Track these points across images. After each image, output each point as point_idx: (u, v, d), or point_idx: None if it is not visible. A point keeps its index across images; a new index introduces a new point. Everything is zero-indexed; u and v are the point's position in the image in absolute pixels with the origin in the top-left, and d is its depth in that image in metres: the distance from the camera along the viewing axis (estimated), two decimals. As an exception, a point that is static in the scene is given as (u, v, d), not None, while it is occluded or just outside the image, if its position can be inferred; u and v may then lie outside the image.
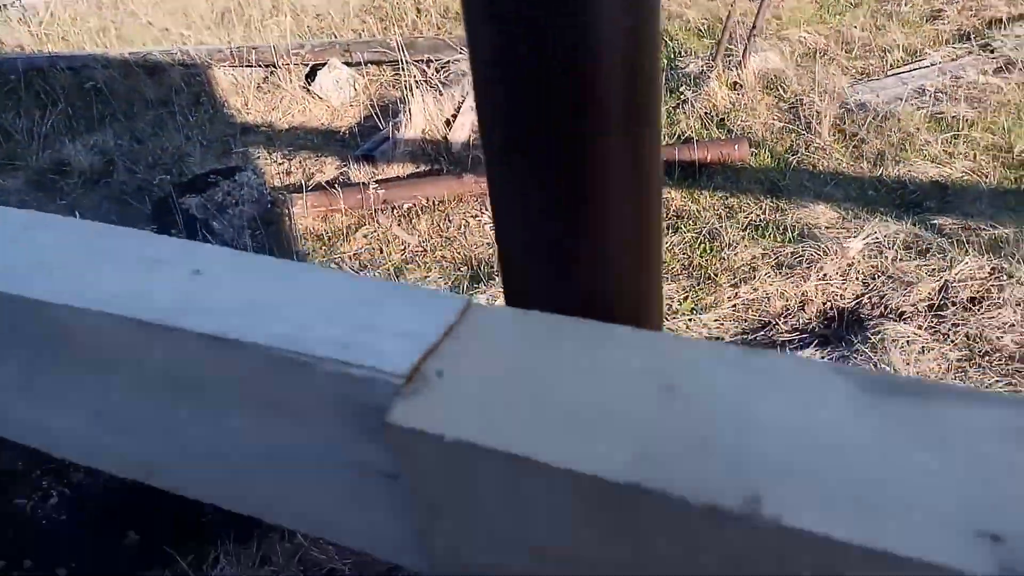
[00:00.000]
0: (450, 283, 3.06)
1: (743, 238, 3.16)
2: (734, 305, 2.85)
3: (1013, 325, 2.53)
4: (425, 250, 3.29)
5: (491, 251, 3.21)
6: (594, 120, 0.35)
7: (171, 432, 0.47)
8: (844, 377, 0.33)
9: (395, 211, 3.52)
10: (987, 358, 2.45)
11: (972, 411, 0.31)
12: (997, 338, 2.49)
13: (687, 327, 2.75)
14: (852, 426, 0.31)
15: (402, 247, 3.32)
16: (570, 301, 0.41)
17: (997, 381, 2.37)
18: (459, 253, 3.25)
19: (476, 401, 0.35)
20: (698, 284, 2.95)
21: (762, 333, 2.73)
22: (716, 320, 2.79)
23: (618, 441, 0.32)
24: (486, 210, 3.46)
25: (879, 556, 0.26)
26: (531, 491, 0.33)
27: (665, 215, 3.36)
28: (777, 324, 2.76)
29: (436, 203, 3.53)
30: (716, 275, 2.98)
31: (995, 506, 0.27)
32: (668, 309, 2.84)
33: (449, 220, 3.45)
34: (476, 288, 2.99)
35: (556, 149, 0.36)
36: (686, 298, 2.89)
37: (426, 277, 3.11)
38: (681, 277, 3.00)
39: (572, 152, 0.36)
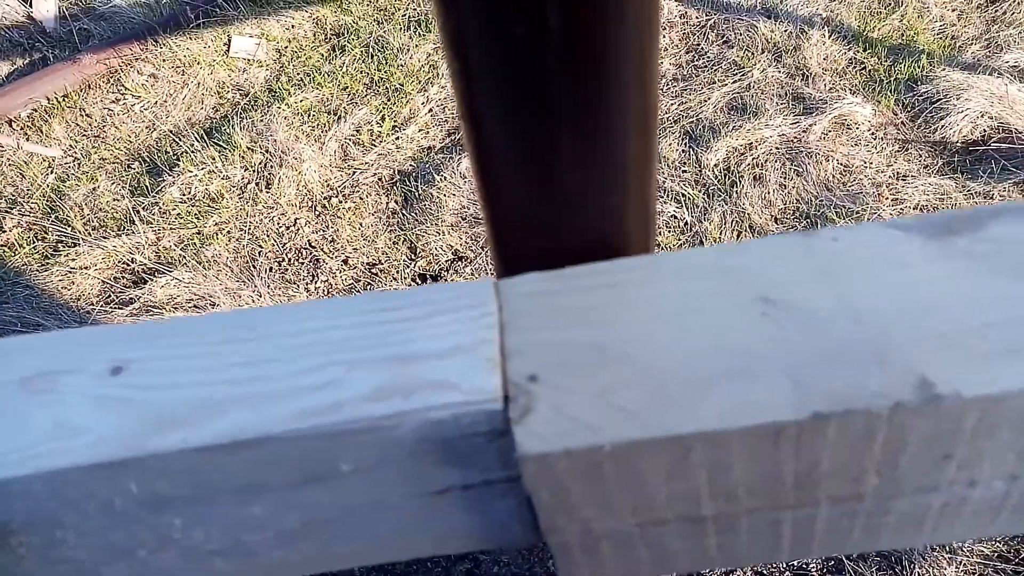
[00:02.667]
0: (127, 186, 2.67)
1: (411, 38, 3.09)
2: (430, 110, 2.84)
3: (666, 50, 2.82)
4: (77, 159, 2.80)
5: (156, 135, 2.82)
6: (612, 58, 0.31)
7: (162, 548, 0.39)
8: (906, 233, 0.35)
9: (14, 125, 2.91)
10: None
11: (1013, 224, 0.35)
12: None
13: (397, 147, 2.71)
14: (942, 277, 0.33)
15: (47, 164, 2.79)
16: (584, 246, 0.38)
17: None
18: (120, 148, 2.81)
19: (596, 394, 0.32)
20: (388, 100, 2.87)
21: (467, 128, 2.77)
22: (420, 131, 2.77)
23: (766, 377, 0.31)
24: (127, 90, 2.98)
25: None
26: (698, 456, 0.32)
27: (324, 36, 3.15)
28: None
29: (61, 100, 2.96)
30: (402, 85, 2.91)
31: None
32: (370, 135, 2.76)
33: (88, 115, 2.93)
34: (161, 181, 2.65)
35: (579, 98, 0.31)
36: (383, 118, 2.81)
37: (95, 189, 2.67)
38: (369, 96, 2.89)
39: (594, 99, 0.31)
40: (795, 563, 1.76)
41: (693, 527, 0.37)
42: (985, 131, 2.57)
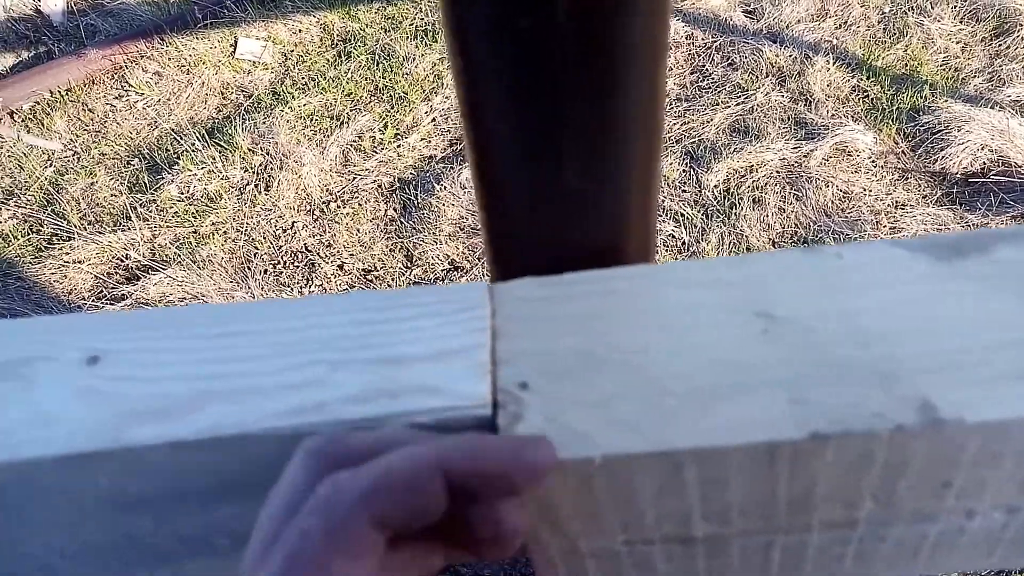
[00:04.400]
0: (126, 182, 2.66)
1: (417, 47, 3.09)
2: (433, 119, 2.83)
3: (671, 70, 2.82)
4: (77, 153, 2.79)
5: (158, 133, 2.81)
6: (621, 52, 0.30)
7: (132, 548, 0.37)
8: (912, 252, 0.34)
9: (16, 116, 2.90)
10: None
11: (1020, 247, 0.34)
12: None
13: (398, 155, 2.71)
14: (948, 298, 0.32)
15: (46, 157, 2.78)
16: (582, 254, 0.37)
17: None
18: (121, 144, 2.80)
19: (589, 405, 0.31)
20: (392, 107, 2.87)
21: (469, 139, 2.77)
22: (422, 140, 2.77)
23: (764, 394, 0.30)
24: (130, 87, 2.98)
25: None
26: (691, 472, 0.31)
27: (330, 42, 3.16)
28: (478, 126, 2.81)
29: (64, 94, 2.96)
30: (406, 93, 2.91)
31: None
32: (372, 142, 2.76)
33: (90, 110, 2.93)
34: (160, 178, 2.64)
35: (586, 94, 0.30)
36: (386, 125, 2.81)
37: (93, 184, 2.66)
38: (373, 103, 2.89)
39: (601, 96, 0.30)
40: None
41: (683, 548, 0.36)
42: (985, 164, 2.57)
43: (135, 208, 2.57)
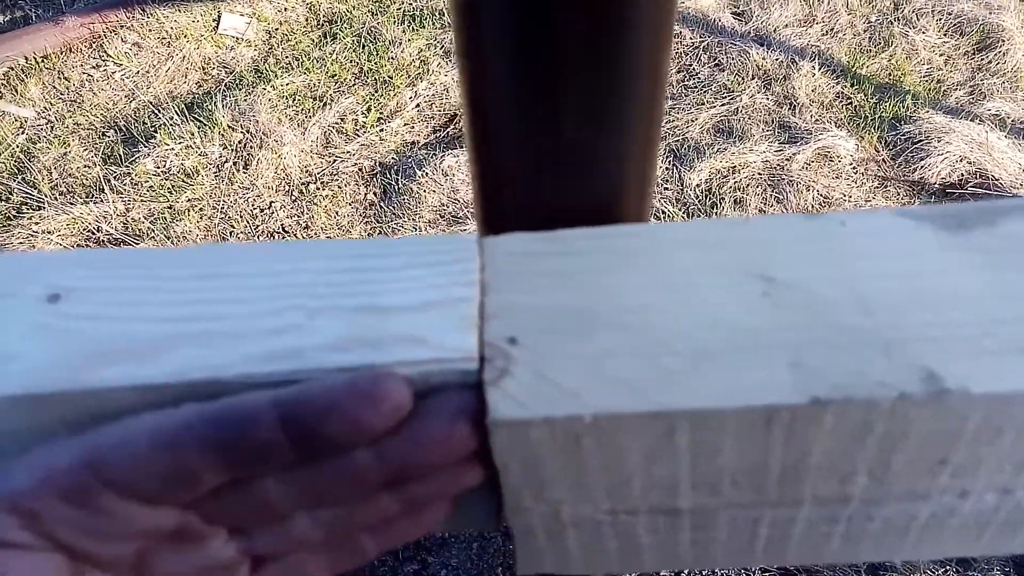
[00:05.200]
0: (100, 153, 2.60)
1: (403, 32, 3.06)
2: (417, 105, 2.81)
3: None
4: (50, 121, 2.72)
5: (135, 105, 2.75)
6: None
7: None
8: (917, 222, 0.33)
9: (-12, 81, 2.82)
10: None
11: None
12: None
13: (380, 139, 2.68)
14: (953, 269, 0.31)
15: (18, 124, 2.71)
16: (578, 213, 0.36)
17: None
18: (96, 115, 2.74)
19: (581, 361, 0.30)
20: (375, 91, 2.84)
21: (453, 127, 2.75)
22: (405, 125, 2.74)
23: (763, 357, 0.29)
24: (108, 57, 2.92)
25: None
26: (684, 436, 0.29)
27: (316, 22, 3.11)
28: (461, 115, 2.79)
29: (40, 61, 2.89)
30: (390, 77, 2.88)
31: None
32: (354, 125, 2.73)
33: (65, 78, 2.86)
34: (135, 151, 2.59)
35: (592, 35, 0.29)
36: (369, 109, 2.78)
37: (66, 153, 2.60)
38: (356, 86, 2.86)
39: (608, 38, 0.29)
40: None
41: (668, 520, 0.35)
42: (963, 175, 2.60)
43: (109, 180, 2.51)
